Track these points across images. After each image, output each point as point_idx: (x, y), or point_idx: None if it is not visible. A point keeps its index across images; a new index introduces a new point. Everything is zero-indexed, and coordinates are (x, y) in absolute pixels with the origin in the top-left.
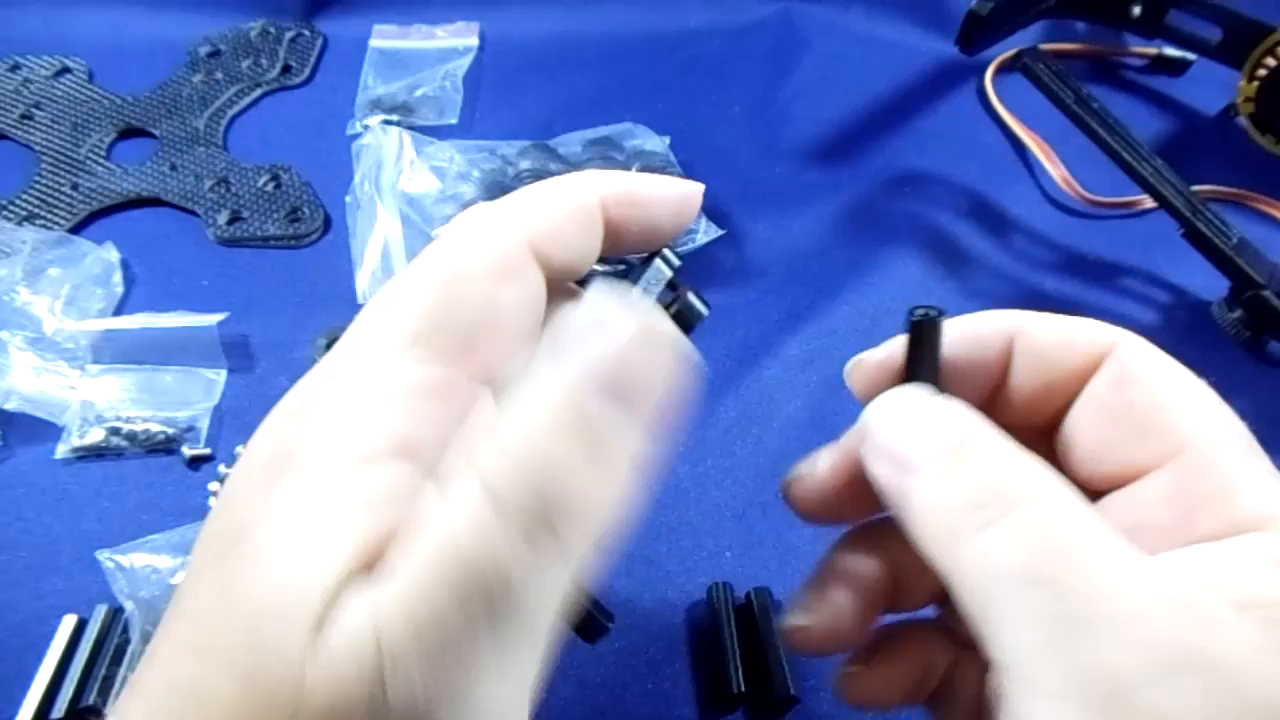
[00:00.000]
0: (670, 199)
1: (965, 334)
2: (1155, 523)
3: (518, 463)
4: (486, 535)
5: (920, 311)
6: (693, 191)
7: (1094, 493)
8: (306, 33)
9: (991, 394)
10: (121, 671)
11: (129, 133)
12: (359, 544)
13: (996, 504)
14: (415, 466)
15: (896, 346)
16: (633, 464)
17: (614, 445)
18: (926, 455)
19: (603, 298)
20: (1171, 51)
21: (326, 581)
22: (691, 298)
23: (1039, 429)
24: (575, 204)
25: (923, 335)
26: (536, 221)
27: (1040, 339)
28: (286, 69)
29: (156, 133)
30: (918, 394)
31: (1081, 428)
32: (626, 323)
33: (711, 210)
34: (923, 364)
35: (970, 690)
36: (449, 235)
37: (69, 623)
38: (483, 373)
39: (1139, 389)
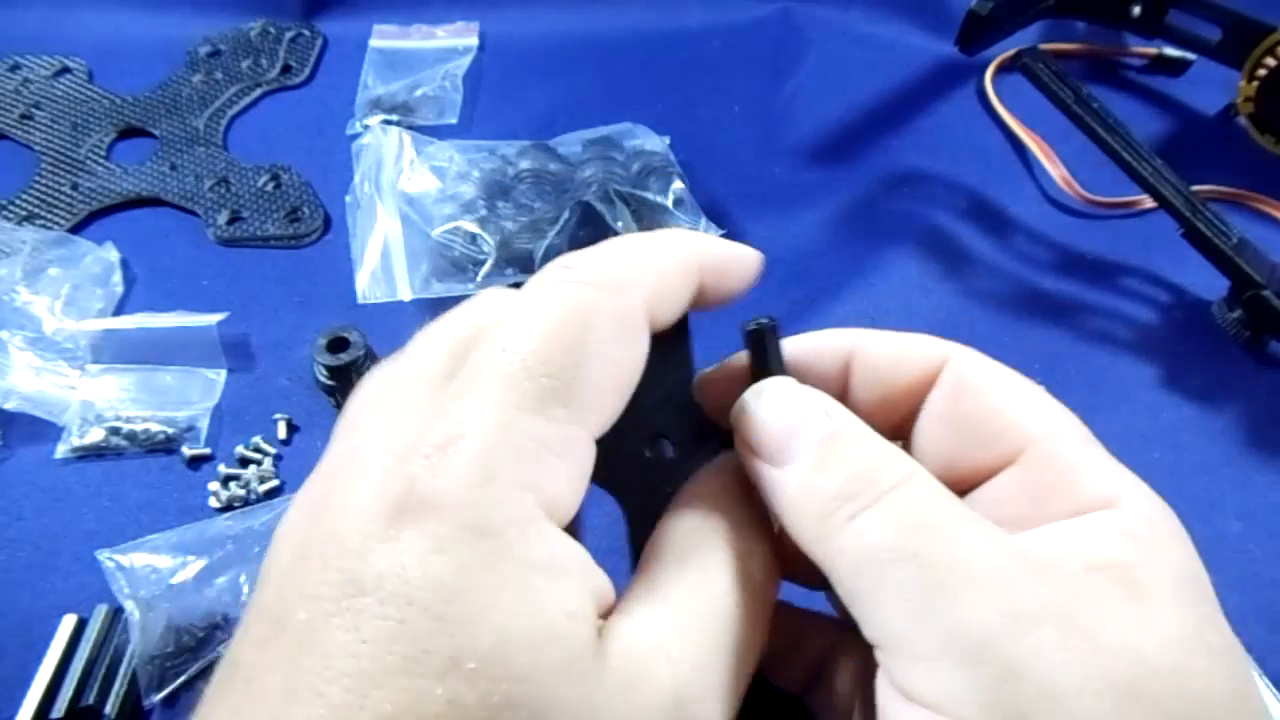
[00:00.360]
0: (751, 269)
1: (802, 352)
2: (1010, 515)
3: (741, 551)
4: (749, 590)
5: (754, 322)
6: (759, 262)
7: (969, 483)
8: (306, 33)
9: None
10: (122, 671)
11: (129, 133)
12: (589, 590)
13: (868, 491)
14: (556, 517)
15: (738, 360)
16: None
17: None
18: (800, 446)
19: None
20: (1171, 51)
21: (589, 615)
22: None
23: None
24: (684, 268)
25: (762, 343)
26: (651, 283)
27: (875, 357)
28: (286, 69)
29: (156, 133)
30: (788, 385)
31: (927, 439)
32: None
33: (711, 210)
34: (768, 372)
35: (848, 687)
36: (573, 284)
37: (69, 622)
38: (596, 427)
39: (974, 398)
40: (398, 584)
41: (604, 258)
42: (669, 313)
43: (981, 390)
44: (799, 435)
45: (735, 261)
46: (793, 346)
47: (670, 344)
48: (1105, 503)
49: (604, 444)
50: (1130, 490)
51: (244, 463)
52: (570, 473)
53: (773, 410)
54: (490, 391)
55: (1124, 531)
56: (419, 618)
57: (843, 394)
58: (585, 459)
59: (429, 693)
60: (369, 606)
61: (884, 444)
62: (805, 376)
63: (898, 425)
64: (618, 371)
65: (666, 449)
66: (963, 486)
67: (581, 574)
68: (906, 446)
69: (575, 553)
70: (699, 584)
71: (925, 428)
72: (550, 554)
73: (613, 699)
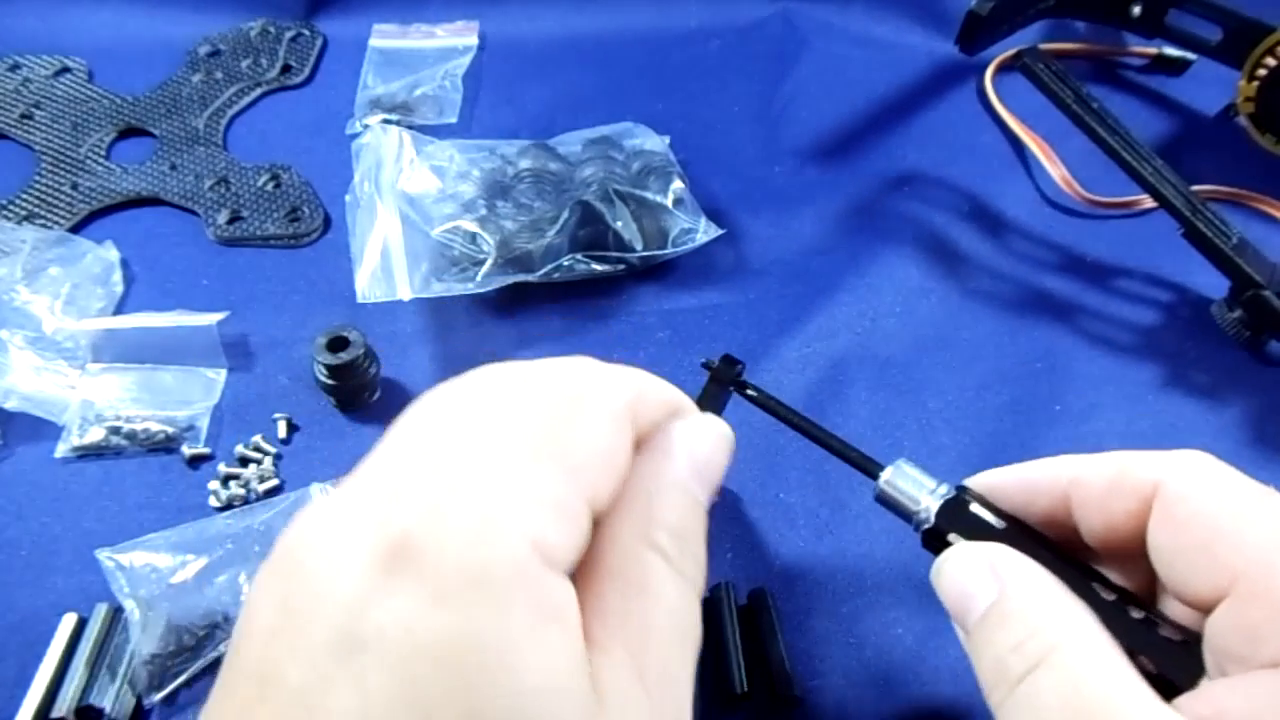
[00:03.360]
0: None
1: (1021, 490)
2: (1231, 650)
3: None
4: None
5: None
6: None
7: (1202, 611)
8: (306, 32)
9: (1070, 531)
10: (122, 670)
11: (129, 132)
12: (579, 633)
13: (1032, 644)
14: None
15: None
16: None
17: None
18: (979, 603)
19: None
20: (1171, 51)
21: (584, 661)
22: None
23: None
24: (663, 399)
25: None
26: (633, 396)
27: (1090, 488)
28: (286, 69)
29: (156, 132)
30: (958, 554)
31: (1157, 564)
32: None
33: (711, 210)
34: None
35: None
36: (568, 374)
37: (69, 621)
38: (590, 497)
39: (1185, 529)
40: (401, 638)
41: (590, 367)
42: (646, 424)
43: (1191, 520)
44: (971, 604)
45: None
46: (1013, 483)
47: None
48: None
49: None
50: None
51: (244, 462)
52: (567, 528)
53: (949, 581)
54: (489, 441)
55: None
56: (428, 675)
57: (1068, 523)
58: (582, 521)
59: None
60: (371, 664)
61: (1053, 601)
62: (1028, 511)
63: (1130, 550)
64: (608, 454)
65: None
66: (1204, 606)
67: (574, 618)
68: (1145, 568)
69: (569, 597)
70: (653, 605)
71: (1152, 553)
72: (552, 603)
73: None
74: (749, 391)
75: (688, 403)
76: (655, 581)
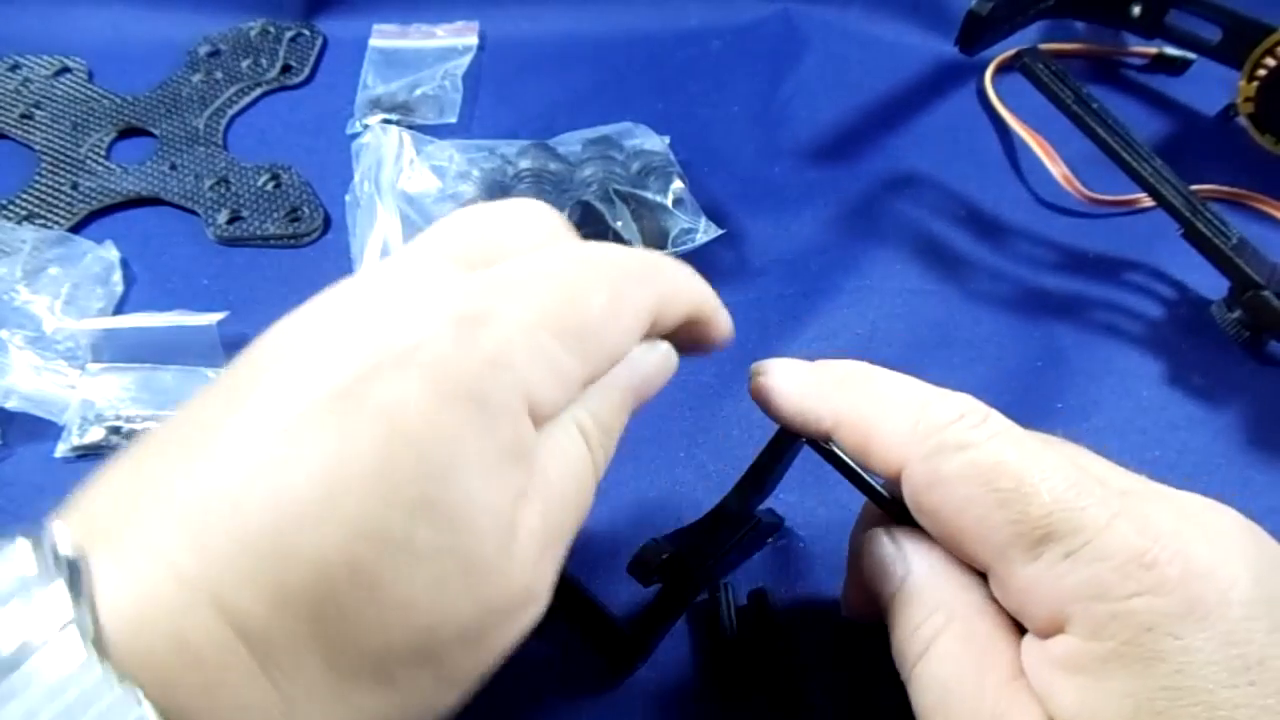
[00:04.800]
0: (723, 332)
1: (797, 418)
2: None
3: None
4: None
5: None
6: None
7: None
8: (306, 32)
9: None
10: None
11: (129, 132)
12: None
13: (926, 627)
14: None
15: None
16: None
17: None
18: (891, 584)
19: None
20: (1171, 51)
21: (520, 505)
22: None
23: None
24: (692, 291)
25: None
26: (665, 288)
27: (848, 448)
28: (286, 69)
29: (156, 132)
30: (887, 534)
31: None
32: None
33: (711, 210)
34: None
35: None
36: (611, 257)
37: None
38: (584, 383)
39: (931, 521)
40: (395, 410)
41: (633, 255)
42: (666, 325)
43: (934, 518)
44: (885, 584)
45: (717, 315)
46: (788, 412)
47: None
48: (1053, 626)
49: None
50: (1078, 609)
51: None
52: (560, 401)
53: (866, 563)
54: (528, 300)
55: (1064, 664)
56: (403, 449)
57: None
58: (572, 396)
59: (392, 522)
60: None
61: (942, 589)
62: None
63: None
64: (619, 354)
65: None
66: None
67: (529, 465)
68: None
69: (530, 447)
70: (569, 476)
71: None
72: (522, 446)
73: (520, 564)
74: (825, 446)
75: (710, 302)
76: (574, 456)
